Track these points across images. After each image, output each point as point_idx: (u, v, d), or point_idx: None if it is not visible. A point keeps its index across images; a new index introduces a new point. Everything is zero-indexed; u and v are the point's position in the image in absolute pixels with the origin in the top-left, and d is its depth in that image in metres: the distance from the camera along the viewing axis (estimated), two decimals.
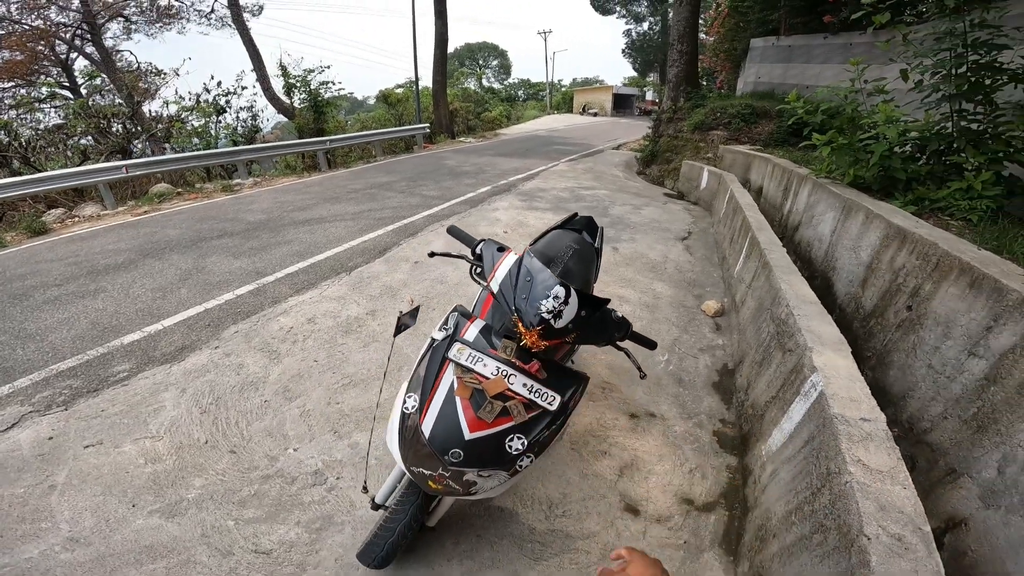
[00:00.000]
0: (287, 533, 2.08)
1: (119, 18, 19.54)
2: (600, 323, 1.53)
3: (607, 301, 1.53)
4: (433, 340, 1.56)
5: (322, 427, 2.69)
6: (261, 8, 21.91)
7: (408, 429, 1.48)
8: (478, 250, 1.78)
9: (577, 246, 2.40)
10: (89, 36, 18.55)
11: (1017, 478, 1.76)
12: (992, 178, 3.11)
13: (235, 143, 13.57)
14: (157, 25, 20.76)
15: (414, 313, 1.62)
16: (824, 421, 1.71)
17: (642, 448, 2.59)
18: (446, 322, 1.58)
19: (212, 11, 21.37)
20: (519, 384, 1.42)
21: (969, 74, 3.35)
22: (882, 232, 3.09)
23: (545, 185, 9.26)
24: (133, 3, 19.80)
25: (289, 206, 7.66)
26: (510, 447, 1.42)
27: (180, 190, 9.80)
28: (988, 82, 3.31)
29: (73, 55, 18.93)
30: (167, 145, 13.57)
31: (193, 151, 12.31)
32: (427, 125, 16.99)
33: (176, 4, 21.00)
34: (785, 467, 1.94)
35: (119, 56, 20.06)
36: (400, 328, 1.59)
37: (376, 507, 1.81)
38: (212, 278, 4.69)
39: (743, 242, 4.31)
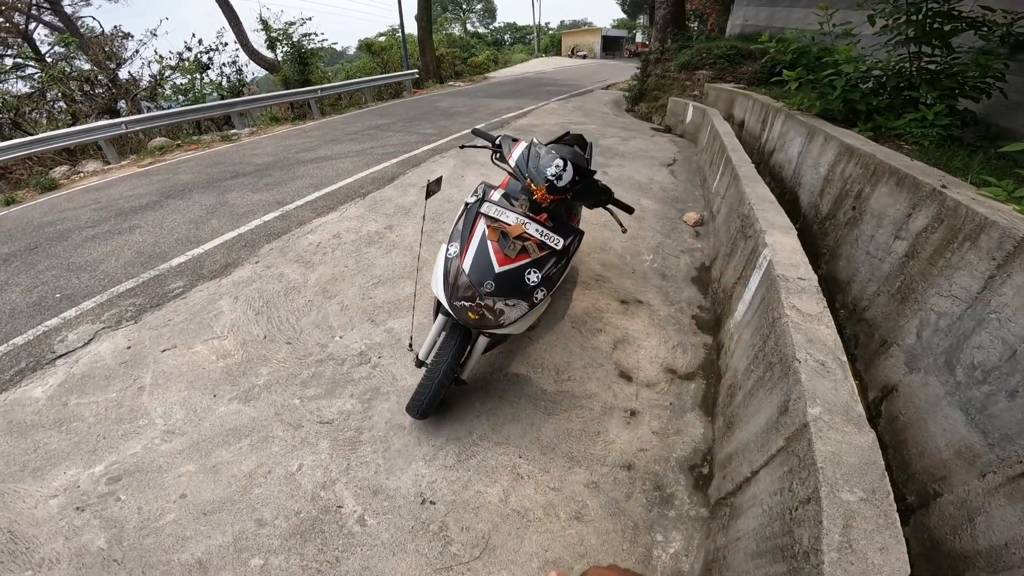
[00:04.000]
0: (344, 405, 2.48)
1: None
2: (589, 187, 2.07)
3: (594, 172, 2.06)
4: (467, 204, 2.12)
5: (360, 318, 3.17)
6: None
7: (451, 271, 1.97)
8: (498, 142, 2.30)
9: (571, 155, 2.87)
10: (48, 4, 17.77)
11: (931, 340, 2.04)
12: (944, 110, 3.49)
13: (223, 97, 13.51)
14: None
15: (438, 181, 2.12)
16: (771, 281, 2.09)
17: (632, 327, 3.07)
18: (476, 191, 2.14)
19: None
20: (533, 229, 1.96)
21: (928, 20, 3.65)
22: (836, 150, 3.53)
23: (537, 121, 9.54)
24: None
25: (293, 148, 7.94)
26: (528, 279, 1.95)
27: (180, 142, 9.94)
28: (947, 28, 3.61)
29: (32, 25, 18.16)
30: (152, 104, 13.50)
31: (182, 107, 12.32)
32: (415, 71, 16.82)
33: None
34: (746, 330, 2.32)
35: (81, 23, 19.23)
36: (430, 192, 2.09)
37: (419, 364, 2.28)
38: (238, 210, 5.09)
39: (720, 163, 4.76)
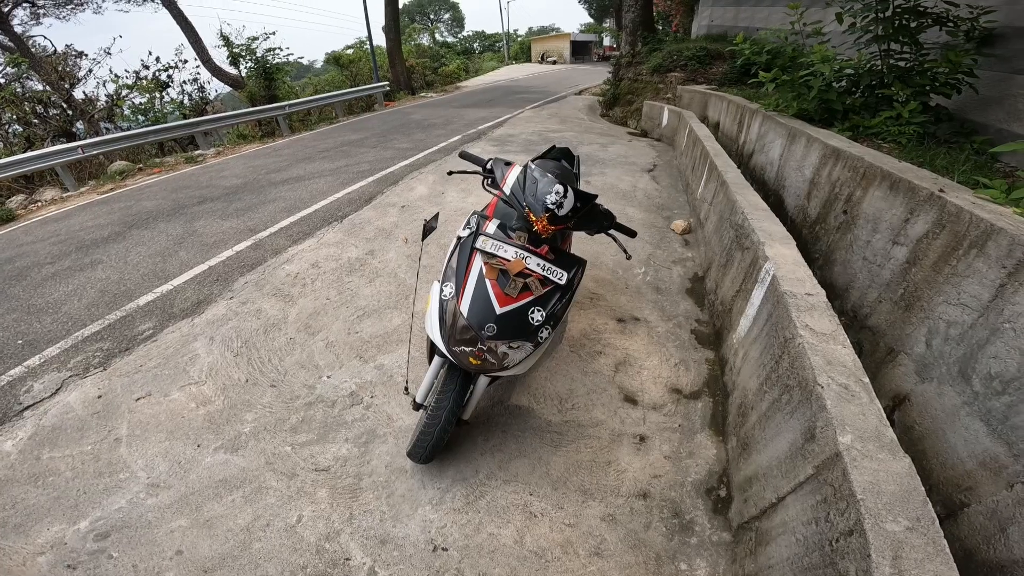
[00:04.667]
0: (339, 450, 2.34)
1: (25, 3, 17.88)
2: (591, 213, 1.94)
3: (595, 196, 1.92)
4: (459, 238, 1.94)
5: (348, 354, 3.01)
6: None
7: (447, 314, 1.82)
8: (489, 166, 2.14)
9: (559, 170, 2.75)
10: None
11: (942, 349, 2.00)
12: (919, 107, 3.50)
13: (185, 116, 13.08)
14: (68, 7, 19.01)
15: (436, 217, 1.96)
16: (778, 298, 2.01)
17: (632, 347, 3.00)
18: (468, 223, 1.96)
19: None
20: (534, 263, 1.82)
21: (895, 17, 3.68)
22: (820, 152, 3.50)
23: (514, 131, 9.46)
24: None
25: (263, 169, 7.68)
26: (532, 319, 1.81)
27: (141, 166, 9.54)
28: (913, 24, 3.65)
29: None
30: (109, 125, 12.99)
31: (142, 128, 11.87)
32: (386, 83, 16.62)
33: None
34: (753, 347, 2.24)
35: (31, 42, 18.51)
36: (427, 232, 1.94)
37: (417, 407, 2.13)
38: (207, 239, 4.84)
39: (703, 168, 4.72)
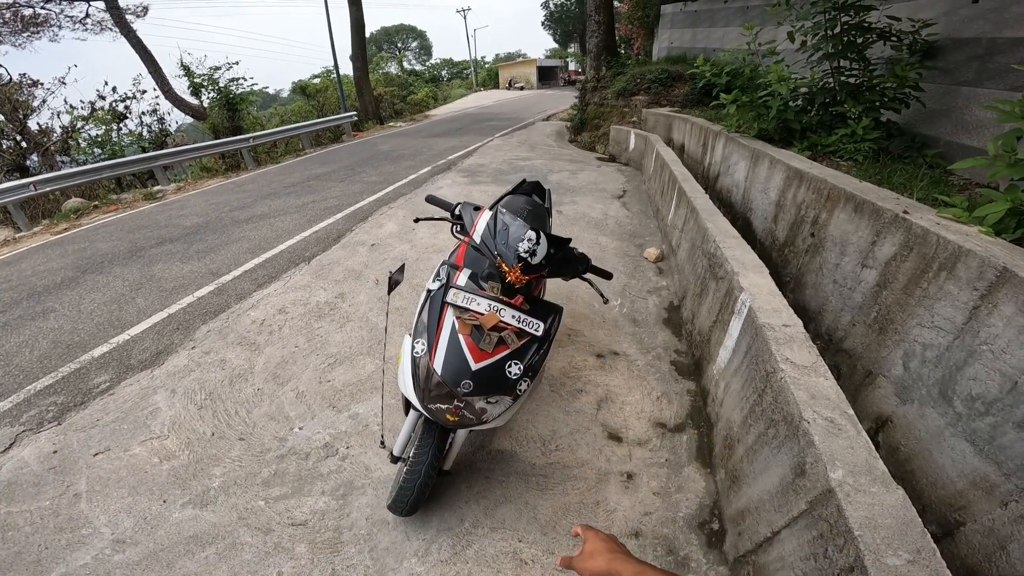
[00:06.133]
0: (316, 503, 2.24)
1: None
2: (565, 258, 1.88)
3: (569, 240, 1.87)
4: (429, 291, 1.86)
5: (320, 404, 2.87)
6: (146, 9, 19.88)
7: (420, 370, 1.73)
8: (457, 211, 2.07)
9: (530, 207, 2.71)
10: None
11: (920, 371, 2.01)
12: (871, 124, 3.61)
13: (143, 149, 12.73)
14: (24, 35, 18.50)
15: (402, 269, 1.89)
16: (756, 331, 2.00)
17: (612, 383, 2.95)
18: (438, 274, 1.88)
19: (87, 16, 19.22)
20: (509, 316, 1.74)
21: (842, 34, 3.81)
22: (784, 174, 3.56)
23: (483, 160, 9.50)
24: None
25: (226, 206, 7.45)
26: (510, 372, 1.72)
27: (97, 203, 9.17)
28: (860, 41, 3.78)
29: None
30: (65, 159, 12.52)
31: (96, 162, 11.47)
32: (354, 113, 16.58)
33: (43, 12, 18.74)
34: (735, 379, 2.22)
35: None
36: (392, 285, 1.86)
37: (395, 460, 2.04)
38: (166, 284, 4.63)
39: (672, 193, 4.78)
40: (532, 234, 1.75)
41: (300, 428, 2.70)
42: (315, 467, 2.45)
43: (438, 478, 2.11)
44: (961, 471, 1.79)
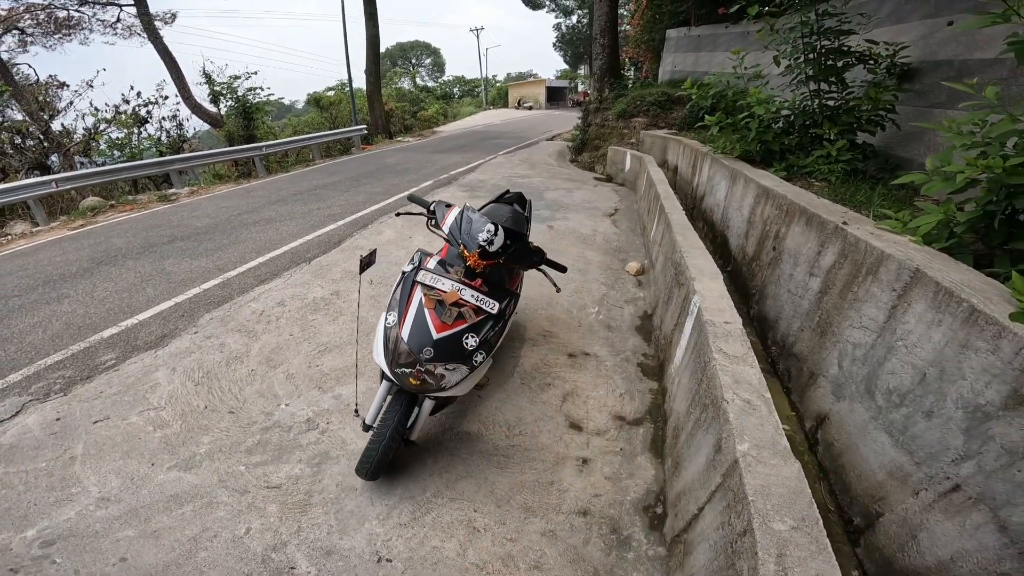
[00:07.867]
0: (292, 470, 2.42)
1: (14, 31, 18.15)
2: (522, 250, 2.17)
3: (525, 235, 2.17)
4: (404, 273, 2.19)
5: (307, 385, 3.09)
6: (174, 16, 20.87)
7: (391, 340, 2.01)
8: (432, 208, 2.39)
9: (511, 214, 2.99)
10: None
11: (851, 370, 2.18)
12: (846, 145, 3.77)
13: (161, 153, 13.20)
14: (56, 36, 19.36)
15: (372, 254, 2.18)
16: (701, 327, 2.18)
17: (580, 380, 3.13)
18: (412, 259, 2.22)
19: (118, 20, 20.15)
20: (468, 295, 2.04)
21: (821, 58, 4.01)
22: (754, 193, 3.76)
23: (484, 177, 9.83)
24: (28, 15, 18.41)
25: (235, 210, 7.78)
26: (467, 343, 2.00)
27: (113, 203, 9.57)
28: (839, 64, 3.97)
29: None
30: (85, 159, 13.01)
31: (117, 164, 11.93)
32: (364, 127, 17.11)
33: (76, 15, 19.66)
34: (684, 374, 2.40)
35: (16, 70, 18.66)
36: (364, 266, 2.14)
37: (367, 428, 2.27)
38: (175, 277, 4.90)
39: (656, 210, 5.03)
40: (491, 226, 2.05)
41: (286, 405, 2.91)
42: (296, 439, 2.64)
43: (405, 448, 2.34)
44: (881, 462, 1.91)
